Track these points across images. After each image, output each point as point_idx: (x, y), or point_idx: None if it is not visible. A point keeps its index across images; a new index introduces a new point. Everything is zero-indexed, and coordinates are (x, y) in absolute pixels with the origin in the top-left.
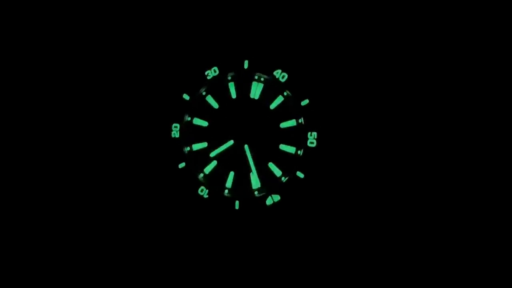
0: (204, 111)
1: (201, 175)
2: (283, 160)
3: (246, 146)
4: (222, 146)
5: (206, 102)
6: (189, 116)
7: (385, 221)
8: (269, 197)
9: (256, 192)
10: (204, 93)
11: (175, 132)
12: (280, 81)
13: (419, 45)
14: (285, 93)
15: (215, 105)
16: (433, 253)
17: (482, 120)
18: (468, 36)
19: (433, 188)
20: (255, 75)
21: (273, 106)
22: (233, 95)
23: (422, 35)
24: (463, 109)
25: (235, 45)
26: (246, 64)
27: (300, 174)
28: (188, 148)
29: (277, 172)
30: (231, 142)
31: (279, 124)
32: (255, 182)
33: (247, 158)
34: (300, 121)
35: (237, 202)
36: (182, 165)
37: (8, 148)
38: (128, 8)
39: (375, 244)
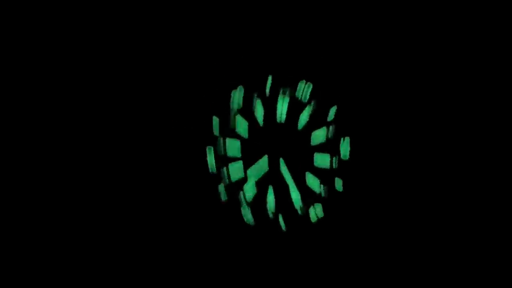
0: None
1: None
2: (320, 173)
3: (281, 161)
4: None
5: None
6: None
7: (431, 229)
8: (312, 212)
9: (299, 209)
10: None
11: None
12: (306, 93)
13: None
14: (310, 105)
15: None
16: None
17: None
18: None
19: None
20: (281, 90)
21: (302, 122)
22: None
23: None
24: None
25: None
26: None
27: (339, 184)
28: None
29: (316, 187)
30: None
31: (310, 138)
32: (296, 199)
33: (284, 174)
34: (330, 130)
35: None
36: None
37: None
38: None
39: (424, 256)
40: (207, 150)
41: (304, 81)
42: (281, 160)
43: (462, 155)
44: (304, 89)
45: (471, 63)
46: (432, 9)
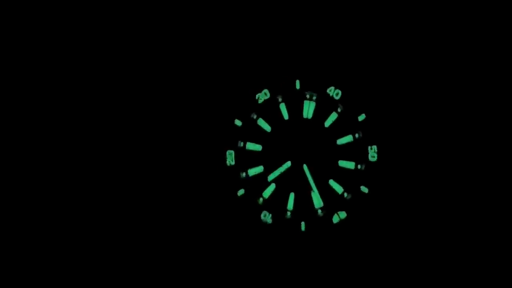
0: (257, 135)
1: (261, 199)
2: (344, 177)
3: (305, 166)
4: (279, 168)
5: (258, 126)
6: (242, 142)
7: (454, 233)
8: (335, 215)
9: (319, 211)
10: (255, 117)
11: (230, 160)
12: (334, 98)
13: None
14: (338, 110)
15: (267, 128)
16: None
17: None
18: None
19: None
20: (306, 94)
21: (327, 123)
22: (285, 116)
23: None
24: None
25: (285, 66)
26: (297, 85)
27: (365, 189)
28: (244, 174)
29: (339, 189)
30: (289, 163)
31: (335, 141)
32: (317, 201)
33: (307, 178)
34: (357, 136)
35: (303, 224)
36: (241, 192)
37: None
38: (173, 39)
39: (445, 260)
40: (227, 154)
41: (333, 88)
42: (305, 166)
43: (486, 161)
44: (333, 95)
45: None
46: None
